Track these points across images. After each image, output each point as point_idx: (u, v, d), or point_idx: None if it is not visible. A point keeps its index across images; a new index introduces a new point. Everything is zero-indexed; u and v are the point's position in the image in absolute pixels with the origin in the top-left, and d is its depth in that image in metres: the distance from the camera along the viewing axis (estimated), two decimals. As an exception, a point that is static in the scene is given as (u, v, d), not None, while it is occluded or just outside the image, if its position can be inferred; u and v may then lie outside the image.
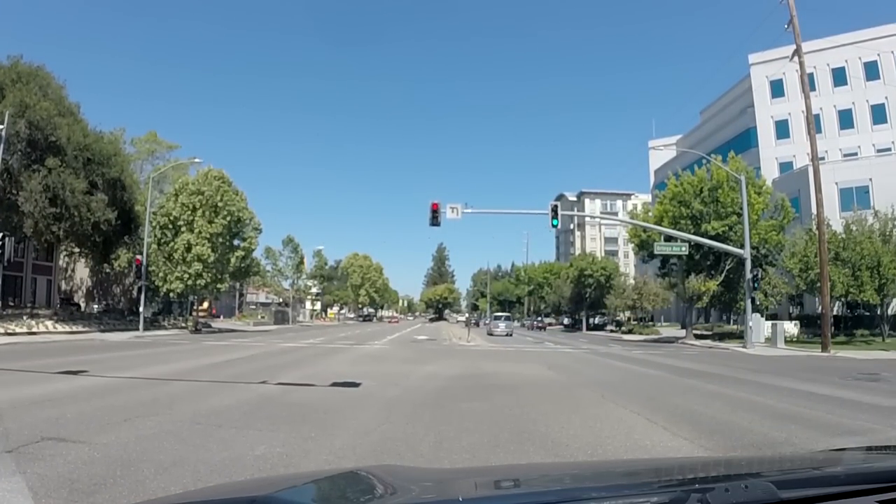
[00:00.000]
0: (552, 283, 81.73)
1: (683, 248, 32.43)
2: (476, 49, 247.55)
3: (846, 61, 47.67)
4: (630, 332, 52.12)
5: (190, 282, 39.77)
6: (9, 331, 26.65)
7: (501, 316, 53.62)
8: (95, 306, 50.64)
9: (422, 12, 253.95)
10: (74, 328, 32.13)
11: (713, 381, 13.46)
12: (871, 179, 39.40)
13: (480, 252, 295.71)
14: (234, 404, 8.63)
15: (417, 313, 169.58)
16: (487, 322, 59.68)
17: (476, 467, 4.83)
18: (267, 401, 9.21)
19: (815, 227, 28.42)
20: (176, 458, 5.28)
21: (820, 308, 27.33)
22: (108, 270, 49.03)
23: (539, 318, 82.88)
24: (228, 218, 40.78)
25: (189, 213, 39.84)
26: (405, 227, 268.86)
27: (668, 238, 33.32)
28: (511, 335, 43.96)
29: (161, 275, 39.87)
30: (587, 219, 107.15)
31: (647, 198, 72.57)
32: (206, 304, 54.64)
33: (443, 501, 1.60)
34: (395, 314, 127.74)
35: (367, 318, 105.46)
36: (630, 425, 7.62)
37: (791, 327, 35.62)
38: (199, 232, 39.45)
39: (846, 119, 48.06)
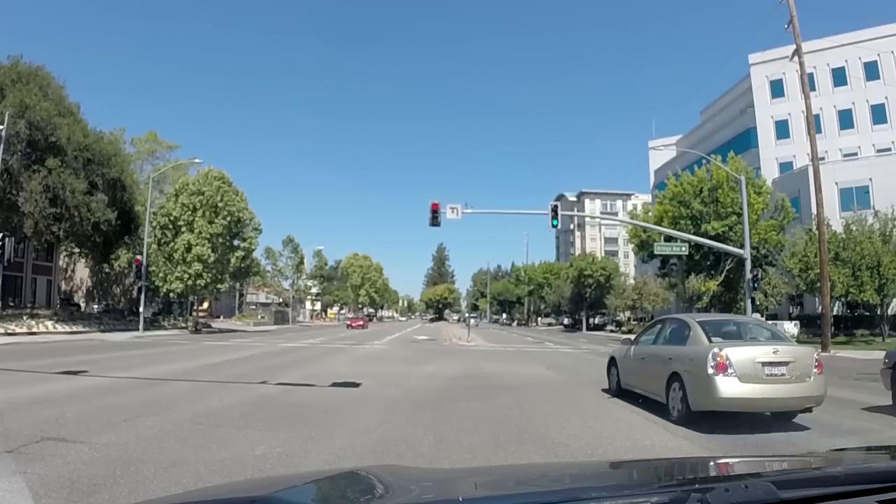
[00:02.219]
0: (552, 284, 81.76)
1: (683, 249, 32.41)
2: (476, 49, 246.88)
3: (846, 61, 47.61)
4: (630, 332, 51.91)
5: (190, 282, 39.80)
6: (9, 331, 26.65)
7: (471, 314, 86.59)
8: (95, 306, 50.62)
9: (421, 12, 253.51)
10: (74, 328, 32.14)
11: (713, 381, 13.42)
12: (871, 179, 39.35)
13: (480, 252, 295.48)
14: (234, 404, 8.63)
15: (417, 313, 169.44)
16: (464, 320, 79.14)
17: (476, 467, 4.83)
18: (267, 401, 9.21)
19: (815, 227, 28.39)
20: (176, 458, 5.28)
21: (820, 308, 27.30)
22: (108, 270, 49.03)
23: (510, 317, 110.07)
24: (228, 218, 40.81)
25: (189, 213, 39.87)
26: (405, 227, 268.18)
27: (668, 238, 33.31)
28: (478, 325, 72.93)
29: (161, 275, 39.91)
30: (587, 219, 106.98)
31: (647, 198, 72.48)
32: (206, 305, 54.67)
33: (443, 501, 1.60)
34: (357, 315, 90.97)
35: (367, 319, 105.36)
36: (630, 425, 7.63)
37: (791, 327, 35.50)
38: (200, 232, 39.47)
39: (846, 119, 47.99)
